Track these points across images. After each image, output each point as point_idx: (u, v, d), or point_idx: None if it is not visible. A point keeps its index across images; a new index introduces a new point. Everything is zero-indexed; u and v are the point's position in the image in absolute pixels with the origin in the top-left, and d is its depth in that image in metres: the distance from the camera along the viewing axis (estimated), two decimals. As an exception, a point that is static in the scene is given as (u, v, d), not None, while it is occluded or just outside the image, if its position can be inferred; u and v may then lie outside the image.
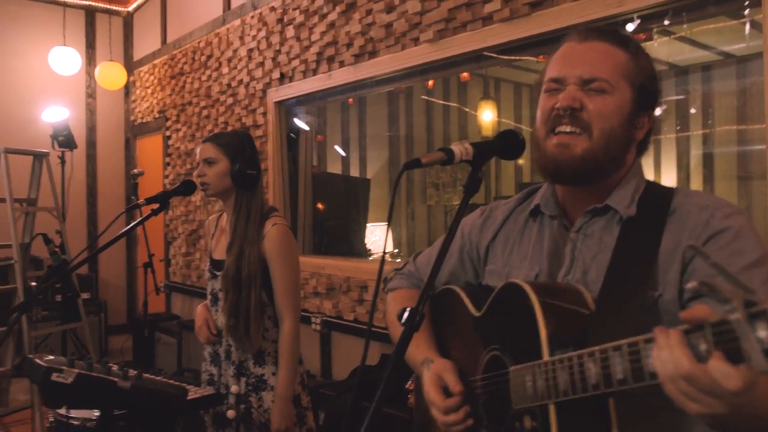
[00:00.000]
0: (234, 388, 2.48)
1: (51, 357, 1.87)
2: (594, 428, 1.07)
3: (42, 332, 5.27)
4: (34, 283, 4.94)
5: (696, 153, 5.24)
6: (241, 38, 5.41)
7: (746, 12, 2.86)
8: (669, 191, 1.29)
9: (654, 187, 1.31)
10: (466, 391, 1.30)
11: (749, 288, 0.76)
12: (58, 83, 7.27)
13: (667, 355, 0.84)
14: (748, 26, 3.19)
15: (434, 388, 1.32)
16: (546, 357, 1.11)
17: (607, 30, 1.33)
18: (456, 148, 1.21)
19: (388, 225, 1.32)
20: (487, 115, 6.66)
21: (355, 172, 6.42)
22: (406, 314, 1.11)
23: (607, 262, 1.23)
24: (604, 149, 1.24)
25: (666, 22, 2.77)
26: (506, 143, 1.28)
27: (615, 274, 1.20)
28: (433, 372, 1.35)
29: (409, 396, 1.75)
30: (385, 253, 1.27)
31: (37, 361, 1.82)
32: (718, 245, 1.15)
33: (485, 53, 3.42)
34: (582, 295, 1.19)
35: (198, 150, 2.58)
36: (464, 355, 1.39)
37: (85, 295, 6.18)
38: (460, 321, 1.44)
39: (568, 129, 1.25)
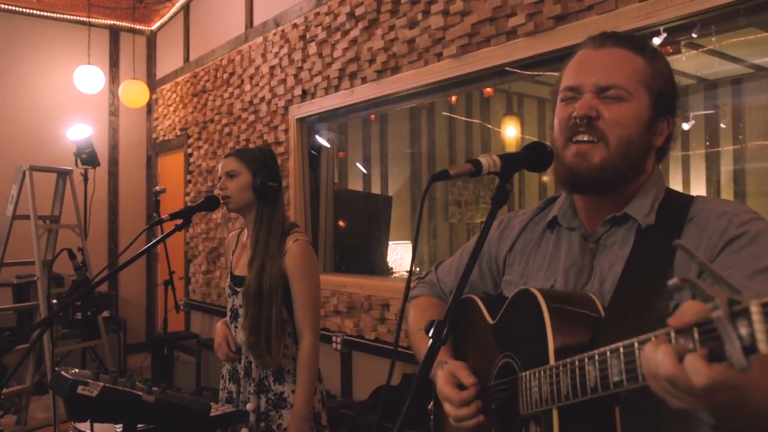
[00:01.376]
0: (249, 406, 2.45)
1: (76, 370, 1.87)
2: None
3: (62, 349, 5.28)
4: (55, 301, 4.95)
5: (726, 169, 5.14)
6: (264, 55, 5.42)
7: (778, 24, 2.79)
8: (688, 199, 1.28)
9: (673, 195, 1.30)
10: (479, 386, 1.30)
11: (734, 287, 0.74)
12: (82, 101, 7.34)
13: (651, 353, 0.84)
14: (780, 38, 3.11)
15: (448, 385, 1.32)
16: (552, 362, 1.11)
17: (623, 36, 1.32)
18: (484, 159, 1.21)
19: (416, 238, 1.28)
20: (510, 131, 6.60)
21: (376, 189, 6.39)
22: (433, 328, 1.11)
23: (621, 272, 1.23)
24: (622, 157, 1.23)
25: (694, 35, 2.72)
26: (534, 155, 1.27)
27: (627, 283, 1.20)
28: (446, 371, 1.35)
29: (431, 417, 1.73)
30: (411, 270, 1.23)
31: (63, 373, 1.81)
32: (733, 250, 1.13)
33: (508, 68, 3.38)
34: (593, 304, 1.19)
35: (220, 165, 2.59)
36: (480, 362, 1.39)
37: (105, 313, 6.18)
38: (477, 329, 1.44)
39: (585, 138, 1.24)
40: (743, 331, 0.71)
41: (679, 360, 0.80)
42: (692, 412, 1.09)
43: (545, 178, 7.06)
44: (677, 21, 2.65)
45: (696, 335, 0.78)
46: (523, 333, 1.24)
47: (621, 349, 0.93)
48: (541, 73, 3.42)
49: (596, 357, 0.98)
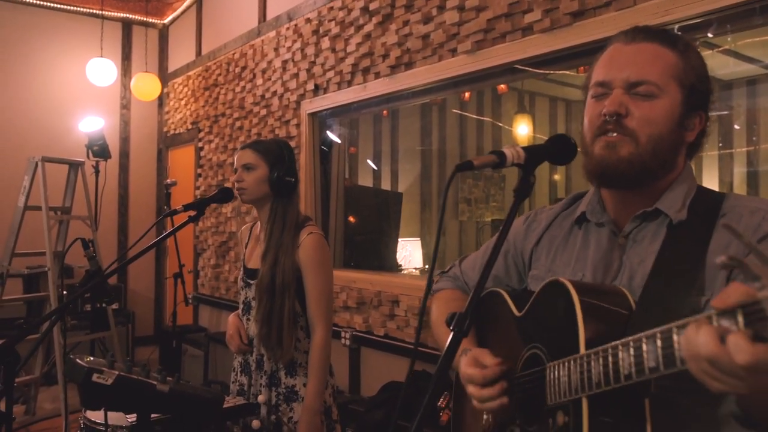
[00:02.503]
0: (261, 398, 2.45)
1: (91, 358, 1.87)
2: (628, 426, 1.06)
3: (71, 341, 5.29)
4: (65, 292, 4.96)
5: (739, 171, 5.11)
6: (276, 50, 5.42)
7: (795, 24, 2.77)
8: (719, 195, 1.27)
9: (704, 192, 1.29)
10: (503, 366, 1.29)
11: None
12: (94, 94, 7.36)
13: (692, 335, 0.84)
14: (797, 38, 3.09)
15: (471, 367, 1.31)
16: (583, 352, 1.10)
17: (655, 30, 1.29)
18: (508, 151, 1.20)
19: (439, 228, 1.28)
20: (522, 130, 6.58)
21: (386, 185, 6.38)
22: (455, 320, 1.10)
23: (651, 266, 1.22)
24: (651, 154, 1.22)
25: (710, 35, 2.70)
26: (557, 147, 1.26)
27: (658, 278, 1.19)
28: (470, 356, 1.34)
29: (441, 414, 1.72)
30: (434, 263, 1.22)
31: (79, 361, 1.82)
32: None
33: (523, 66, 3.36)
34: (624, 297, 1.18)
35: (236, 156, 2.57)
36: (505, 354, 1.38)
37: (114, 306, 6.20)
38: (502, 321, 1.43)
39: (614, 135, 1.23)
40: None
41: (721, 341, 0.79)
42: (721, 409, 1.09)
43: (556, 177, 7.04)
44: (695, 19, 2.63)
45: (740, 317, 0.78)
46: (552, 323, 1.23)
47: (658, 335, 0.92)
48: (552, 71, 3.40)
49: (630, 344, 0.97)
